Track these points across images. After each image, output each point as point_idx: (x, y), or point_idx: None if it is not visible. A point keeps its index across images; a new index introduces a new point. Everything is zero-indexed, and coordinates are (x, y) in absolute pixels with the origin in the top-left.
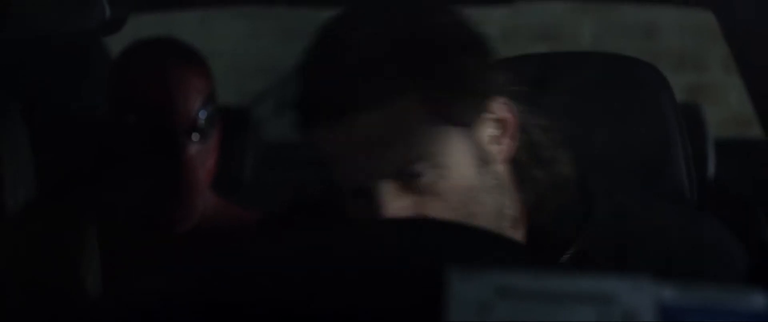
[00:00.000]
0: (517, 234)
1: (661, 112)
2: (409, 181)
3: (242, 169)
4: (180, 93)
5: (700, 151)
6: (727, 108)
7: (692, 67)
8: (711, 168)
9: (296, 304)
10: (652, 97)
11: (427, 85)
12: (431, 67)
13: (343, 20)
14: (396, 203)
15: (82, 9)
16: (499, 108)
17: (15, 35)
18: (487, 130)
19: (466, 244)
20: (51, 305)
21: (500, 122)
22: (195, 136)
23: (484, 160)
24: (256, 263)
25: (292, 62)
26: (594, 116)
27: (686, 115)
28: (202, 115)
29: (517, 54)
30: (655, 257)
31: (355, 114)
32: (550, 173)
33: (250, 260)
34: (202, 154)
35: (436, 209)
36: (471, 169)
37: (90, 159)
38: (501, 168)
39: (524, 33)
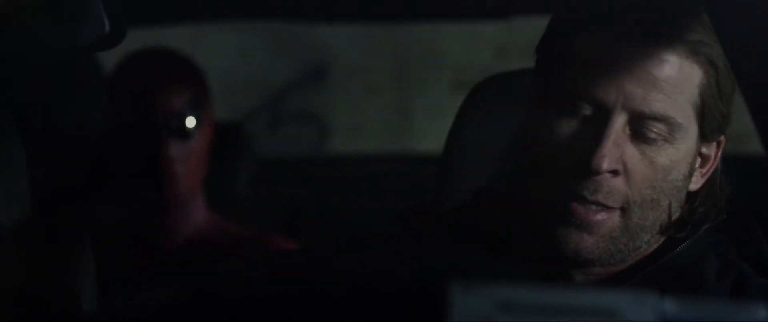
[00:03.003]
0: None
1: None
2: (643, 128)
3: (235, 184)
4: (163, 92)
5: None
6: None
7: None
8: None
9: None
10: None
11: (709, 68)
12: (718, 62)
13: None
14: (617, 143)
15: (81, 23)
16: (714, 145)
17: (11, 49)
18: (698, 155)
19: (467, 260)
20: (47, 321)
21: (705, 157)
22: (176, 134)
23: (691, 174)
24: (253, 279)
25: (284, 78)
26: None
27: None
28: (188, 118)
29: (513, 69)
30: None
31: (652, 39)
32: (703, 219)
33: (246, 277)
34: (186, 155)
35: (640, 176)
36: (684, 169)
37: (84, 173)
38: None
39: (519, 49)
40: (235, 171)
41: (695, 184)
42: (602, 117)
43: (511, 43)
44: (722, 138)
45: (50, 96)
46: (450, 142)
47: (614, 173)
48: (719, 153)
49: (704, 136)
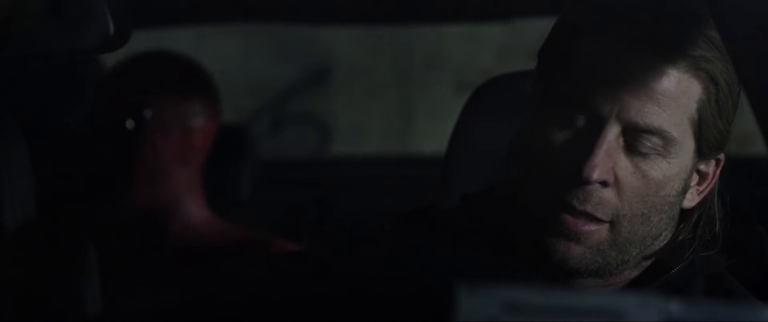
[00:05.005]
0: (626, 276)
1: None
2: (636, 141)
3: (238, 187)
4: (127, 91)
5: None
6: None
7: None
8: None
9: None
10: None
11: (710, 84)
12: (720, 79)
13: None
14: (609, 154)
15: (85, 27)
16: (713, 163)
17: (16, 53)
18: (695, 172)
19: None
20: None
21: (703, 174)
22: (129, 124)
23: (685, 191)
24: (255, 282)
25: (286, 80)
26: None
27: None
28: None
29: (515, 70)
30: None
31: (652, 51)
32: (699, 238)
33: (248, 279)
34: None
35: (632, 190)
36: (677, 186)
37: (87, 175)
38: (679, 211)
39: (520, 50)
40: (237, 173)
41: (690, 201)
42: (596, 126)
43: (513, 45)
44: (722, 156)
45: (54, 98)
46: (452, 144)
47: (604, 183)
48: (718, 171)
49: (701, 153)
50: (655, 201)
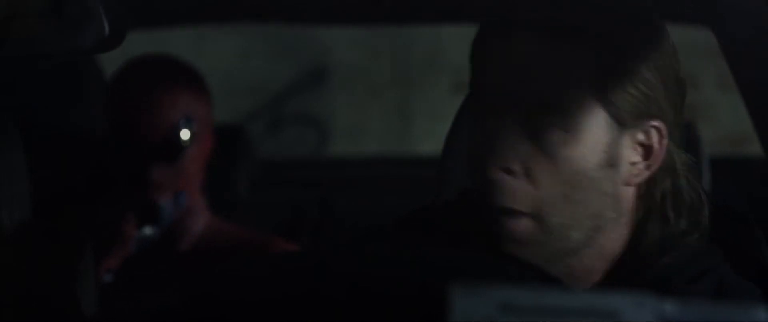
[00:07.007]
0: (598, 266)
1: None
2: (536, 122)
3: (236, 187)
4: (153, 114)
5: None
6: (720, 127)
7: None
8: (705, 186)
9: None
10: None
11: (603, 49)
12: (615, 42)
13: None
14: (508, 142)
15: (81, 27)
16: (653, 133)
17: (13, 54)
18: (631, 147)
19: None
20: None
21: (646, 148)
22: (163, 156)
23: (612, 163)
24: (255, 282)
25: (285, 81)
26: None
27: None
28: (183, 135)
29: None
30: None
31: (531, 31)
32: (675, 224)
33: (248, 279)
34: (177, 169)
35: (544, 173)
36: (596, 158)
37: (86, 177)
38: (627, 190)
39: None
40: (235, 174)
41: (637, 176)
42: (492, 119)
43: None
44: (659, 124)
45: (52, 99)
46: (448, 144)
47: (509, 171)
48: (664, 142)
49: (621, 121)
50: (574, 180)
